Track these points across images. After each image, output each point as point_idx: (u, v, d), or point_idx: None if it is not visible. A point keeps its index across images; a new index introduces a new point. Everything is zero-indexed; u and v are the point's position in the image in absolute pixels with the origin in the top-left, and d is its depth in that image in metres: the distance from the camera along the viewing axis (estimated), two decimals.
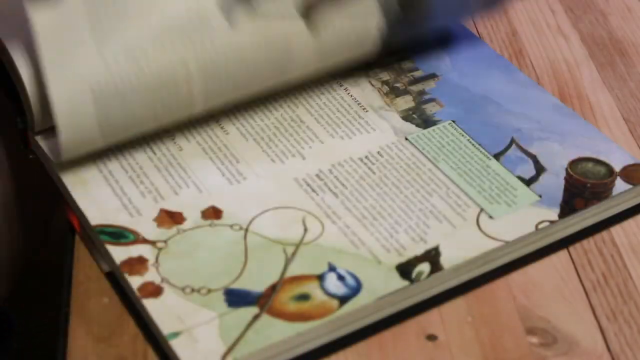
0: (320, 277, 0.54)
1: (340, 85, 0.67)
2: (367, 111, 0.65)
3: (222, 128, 0.63)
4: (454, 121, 0.64)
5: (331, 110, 0.65)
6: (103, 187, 0.59)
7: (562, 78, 0.70)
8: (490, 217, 0.58)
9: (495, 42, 0.74)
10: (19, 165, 0.66)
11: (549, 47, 0.73)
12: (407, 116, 0.65)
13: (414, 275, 0.54)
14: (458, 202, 0.59)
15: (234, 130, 0.63)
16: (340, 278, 0.54)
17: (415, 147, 0.62)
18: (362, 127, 0.64)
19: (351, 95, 0.67)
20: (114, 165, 0.60)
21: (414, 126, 0.64)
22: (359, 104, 0.66)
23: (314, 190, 0.59)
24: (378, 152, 0.62)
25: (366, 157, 0.62)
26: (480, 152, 0.62)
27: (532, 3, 0.78)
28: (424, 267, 0.55)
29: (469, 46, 0.71)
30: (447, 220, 0.57)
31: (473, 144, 0.63)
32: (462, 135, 0.63)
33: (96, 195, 0.58)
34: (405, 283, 0.54)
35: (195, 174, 0.60)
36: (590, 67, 0.72)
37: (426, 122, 0.64)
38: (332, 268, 0.55)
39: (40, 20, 0.56)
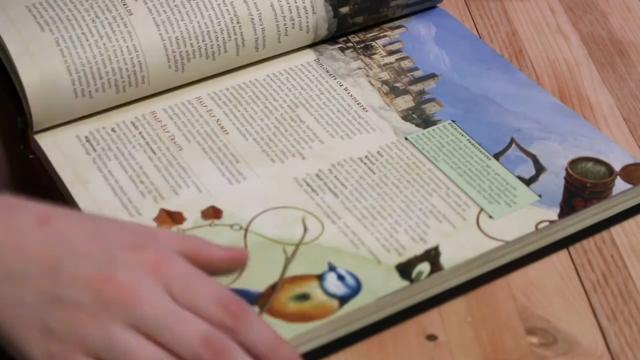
0: (320, 277, 0.54)
1: (340, 85, 0.67)
2: (367, 111, 0.65)
3: (221, 128, 0.63)
4: (453, 121, 0.64)
5: (331, 110, 0.65)
6: (103, 187, 0.59)
7: (562, 78, 0.70)
8: (490, 216, 0.58)
9: (495, 42, 0.74)
10: (19, 165, 0.66)
11: (549, 47, 0.73)
12: (407, 116, 0.65)
13: (414, 275, 0.54)
14: (458, 202, 0.59)
15: (234, 130, 0.63)
16: (340, 278, 0.54)
17: (415, 147, 0.62)
18: (362, 127, 0.64)
19: (351, 95, 0.66)
20: (114, 165, 0.60)
21: (413, 126, 0.64)
22: (359, 104, 0.66)
23: (314, 190, 0.59)
24: (378, 152, 0.62)
25: (366, 157, 0.62)
26: (480, 152, 0.62)
27: (532, 3, 0.78)
28: (424, 267, 0.55)
29: (469, 46, 0.71)
30: (447, 220, 0.57)
31: (473, 144, 0.63)
32: (462, 135, 0.63)
33: (96, 195, 0.58)
34: (405, 283, 0.54)
35: (195, 173, 0.60)
36: (590, 67, 0.71)
37: (426, 122, 0.64)
38: (332, 268, 0.55)
39: None
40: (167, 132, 0.63)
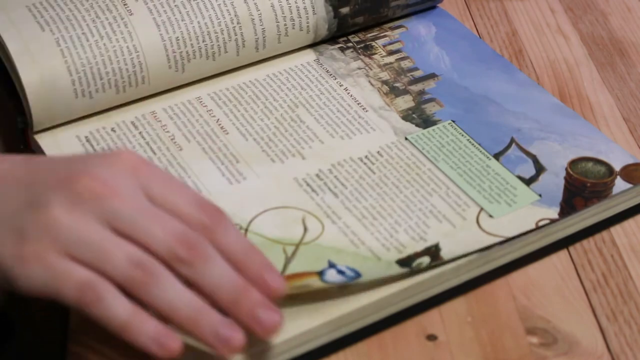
0: (320, 273, 0.54)
1: (340, 85, 0.67)
2: (367, 111, 0.65)
3: (221, 128, 0.63)
4: (453, 121, 0.64)
5: (331, 110, 0.65)
6: None
7: (562, 78, 0.70)
8: (490, 216, 0.58)
9: (495, 42, 0.74)
10: None
11: (549, 47, 0.73)
12: (407, 116, 0.65)
13: (414, 265, 0.54)
14: (458, 202, 0.59)
15: (234, 130, 0.63)
16: (340, 272, 0.54)
17: (415, 146, 0.62)
18: (362, 127, 0.64)
19: (351, 95, 0.66)
20: None
21: (413, 126, 0.64)
22: (359, 104, 0.66)
23: (314, 190, 0.59)
24: (378, 152, 0.62)
25: (366, 157, 0.62)
26: (480, 152, 0.62)
27: (532, 3, 0.78)
28: (424, 259, 0.55)
29: (469, 46, 0.71)
30: (447, 220, 0.57)
31: (473, 144, 0.63)
32: (462, 135, 0.63)
33: None
34: (405, 270, 0.54)
35: (195, 173, 0.60)
36: (590, 67, 0.71)
37: (426, 122, 0.64)
38: (331, 265, 0.55)
39: None
40: (167, 132, 0.63)
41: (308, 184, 0.60)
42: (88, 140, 0.62)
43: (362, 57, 0.70)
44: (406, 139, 0.63)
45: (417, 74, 0.68)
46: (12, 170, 0.47)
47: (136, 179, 0.47)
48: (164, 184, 0.48)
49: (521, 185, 0.60)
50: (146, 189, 0.47)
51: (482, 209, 0.58)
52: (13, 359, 0.64)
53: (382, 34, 0.72)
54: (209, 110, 0.65)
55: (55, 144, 0.62)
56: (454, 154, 0.62)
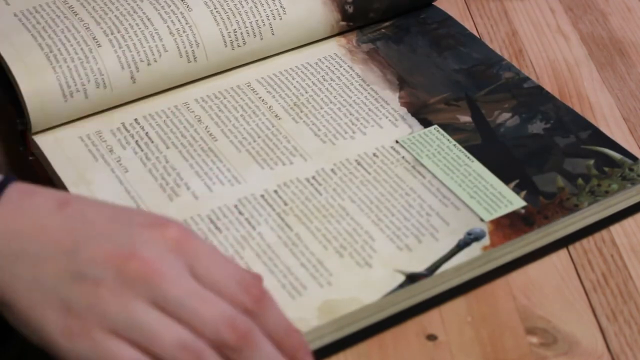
0: None
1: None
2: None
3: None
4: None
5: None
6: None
7: (562, 78, 0.70)
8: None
9: (495, 42, 0.74)
10: (19, 166, 0.66)
11: (549, 47, 0.73)
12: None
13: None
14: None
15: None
16: None
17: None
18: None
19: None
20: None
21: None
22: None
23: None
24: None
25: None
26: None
27: (532, 3, 0.78)
28: None
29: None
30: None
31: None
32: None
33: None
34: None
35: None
36: (590, 67, 0.72)
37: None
38: None
39: None
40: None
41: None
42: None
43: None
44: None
45: None
46: (45, 225, 0.46)
47: (182, 257, 0.47)
48: (208, 260, 0.47)
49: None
50: (192, 267, 0.47)
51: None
52: (13, 359, 0.64)
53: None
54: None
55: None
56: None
